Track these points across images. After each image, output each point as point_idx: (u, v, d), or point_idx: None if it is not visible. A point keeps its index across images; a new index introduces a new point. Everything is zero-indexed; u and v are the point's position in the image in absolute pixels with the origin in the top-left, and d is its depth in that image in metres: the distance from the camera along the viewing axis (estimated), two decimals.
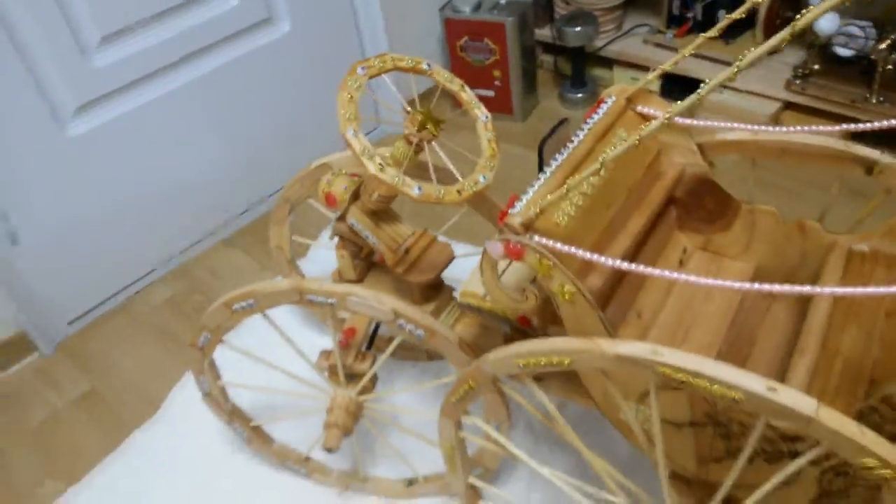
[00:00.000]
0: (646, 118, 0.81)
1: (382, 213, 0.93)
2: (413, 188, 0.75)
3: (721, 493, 0.62)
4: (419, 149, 0.80)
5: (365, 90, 0.78)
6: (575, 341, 0.60)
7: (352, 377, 0.97)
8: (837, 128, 0.74)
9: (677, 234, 0.86)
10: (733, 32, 1.79)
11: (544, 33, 2.01)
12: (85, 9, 1.30)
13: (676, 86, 1.87)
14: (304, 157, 1.10)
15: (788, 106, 1.68)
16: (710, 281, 0.58)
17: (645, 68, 1.90)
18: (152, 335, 1.47)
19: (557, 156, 0.71)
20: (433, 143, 0.82)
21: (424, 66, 0.85)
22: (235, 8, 1.52)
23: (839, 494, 0.60)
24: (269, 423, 1.12)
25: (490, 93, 1.92)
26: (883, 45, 1.50)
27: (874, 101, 1.52)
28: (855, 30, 1.58)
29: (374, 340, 1.06)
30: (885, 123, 0.74)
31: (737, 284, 0.57)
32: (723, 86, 1.76)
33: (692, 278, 0.58)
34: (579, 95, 1.94)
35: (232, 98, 1.58)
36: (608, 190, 0.74)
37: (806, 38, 1.63)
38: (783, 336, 0.75)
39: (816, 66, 1.63)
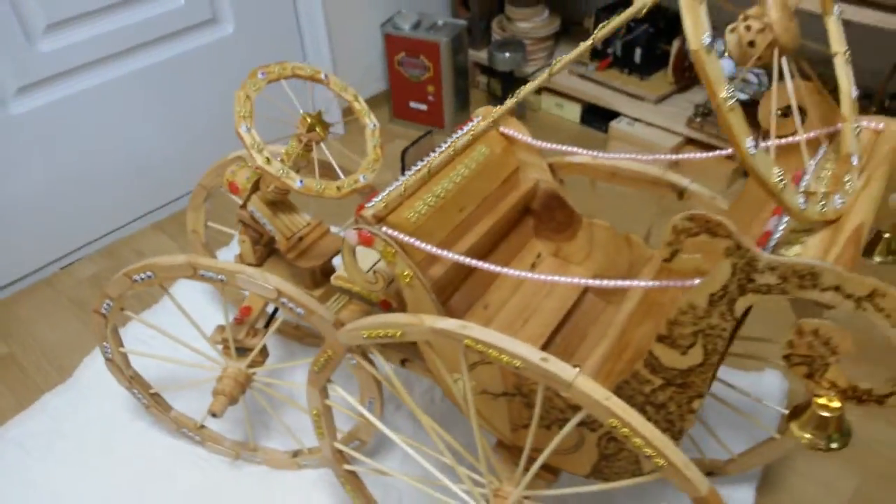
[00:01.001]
0: (508, 138, 0.94)
1: (280, 204, 1.03)
2: (296, 181, 0.86)
3: (524, 456, 0.74)
4: (308, 148, 0.92)
5: (263, 91, 0.89)
6: (405, 316, 0.71)
7: (244, 351, 1.07)
8: (653, 157, 0.86)
9: (534, 240, 0.99)
10: (648, 70, 1.94)
11: (481, 55, 2.14)
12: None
13: (596, 115, 2.02)
14: (236, 150, 1.20)
15: (690, 141, 1.84)
16: (521, 273, 0.70)
17: (568, 96, 2.04)
18: (73, 308, 1.55)
19: (419, 162, 0.83)
20: (321, 143, 0.93)
21: (322, 76, 0.96)
22: (181, 7, 1.62)
23: (613, 458, 0.72)
24: (168, 391, 1.21)
25: (423, 106, 2.04)
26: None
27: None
28: (751, 76, 1.74)
29: (271, 320, 1.16)
30: (698, 155, 0.88)
31: (543, 277, 0.68)
32: (634, 118, 1.91)
33: (506, 270, 0.70)
34: None
35: (173, 90, 1.67)
36: (463, 196, 0.86)
37: None
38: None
39: None
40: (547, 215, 0.96)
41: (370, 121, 0.97)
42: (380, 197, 0.77)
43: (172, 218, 1.77)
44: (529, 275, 0.67)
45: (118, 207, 1.69)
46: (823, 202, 0.56)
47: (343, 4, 1.92)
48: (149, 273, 0.97)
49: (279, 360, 1.35)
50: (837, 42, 0.66)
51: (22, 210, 1.52)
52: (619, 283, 0.62)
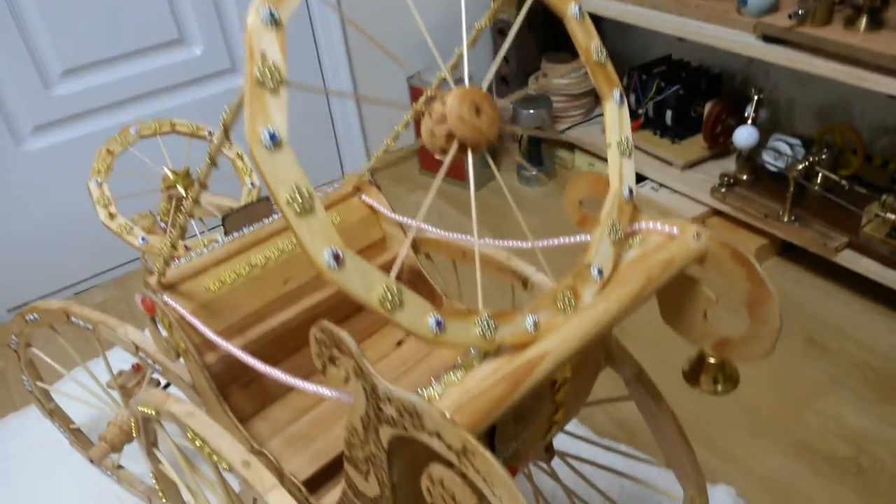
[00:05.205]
0: (371, 207, 0.88)
1: None
2: (137, 238, 0.86)
3: None
4: (169, 203, 0.91)
5: (129, 147, 0.90)
6: (156, 395, 0.68)
7: None
8: (507, 244, 0.77)
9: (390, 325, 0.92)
10: (681, 133, 1.79)
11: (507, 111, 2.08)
12: (49, 45, 1.50)
13: None
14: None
15: (715, 212, 1.66)
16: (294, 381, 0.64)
17: (597, 156, 1.92)
18: (75, 334, 1.63)
19: (245, 229, 0.80)
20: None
21: (205, 133, 0.96)
22: (198, 57, 1.70)
23: None
24: (91, 428, 1.24)
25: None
26: (800, 166, 1.48)
27: (786, 218, 1.49)
28: (783, 146, 1.56)
29: None
30: (556, 241, 0.78)
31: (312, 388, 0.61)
32: (660, 184, 1.77)
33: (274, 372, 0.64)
34: (532, 173, 1.99)
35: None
36: (291, 266, 0.81)
37: (732, 149, 1.62)
38: None
39: (745, 177, 1.61)
40: (412, 290, 0.89)
41: (249, 180, 0.96)
42: (176, 263, 0.75)
43: None
44: (278, 374, 0.60)
45: None
46: (489, 325, 0.46)
47: (370, 57, 1.94)
48: (35, 315, 1.00)
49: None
50: (612, 130, 0.56)
51: (38, 238, 1.64)
52: (292, 380, 0.55)
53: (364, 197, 0.88)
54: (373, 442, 0.48)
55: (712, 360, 0.61)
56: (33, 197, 1.60)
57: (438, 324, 0.44)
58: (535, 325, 0.48)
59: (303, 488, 0.64)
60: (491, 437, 0.57)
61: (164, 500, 0.93)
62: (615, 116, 0.56)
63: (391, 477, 0.49)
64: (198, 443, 0.61)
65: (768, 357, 0.58)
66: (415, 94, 1.97)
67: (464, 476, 0.41)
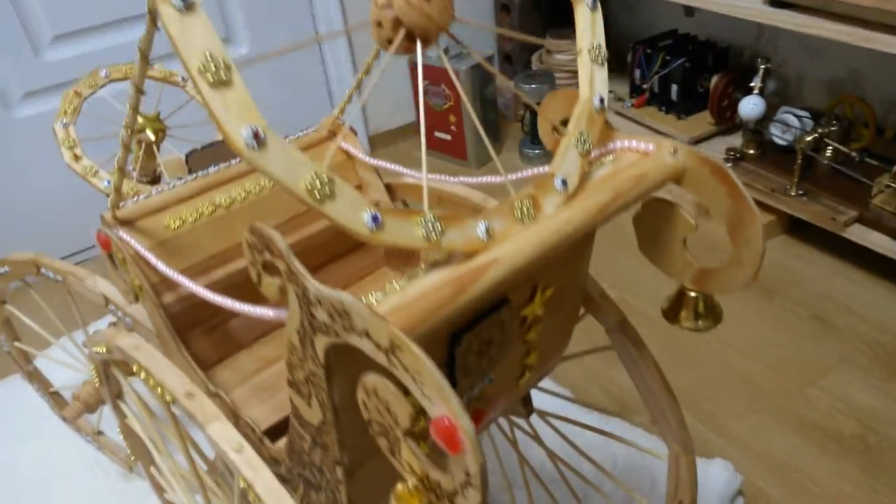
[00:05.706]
0: (347, 153, 0.84)
1: None
2: (103, 181, 0.83)
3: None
4: (139, 148, 0.88)
5: (98, 90, 0.87)
6: (107, 332, 0.65)
7: None
8: (483, 180, 0.73)
9: (385, 268, 0.88)
10: (687, 109, 1.74)
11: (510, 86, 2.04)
12: (40, 10, 1.48)
13: None
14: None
15: None
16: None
17: None
18: (62, 306, 1.61)
19: (211, 168, 0.76)
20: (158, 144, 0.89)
21: (178, 79, 0.92)
22: None
23: None
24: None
25: (447, 136, 1.96)
26: (808, 138, 1.42)
27: (793, 192, 1.44)
28: (792, 119, 1.50)
29: None
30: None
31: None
32: None
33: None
34: (536, 151, 1.94)
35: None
36: (259, 208, 0.77)
37: (738, 121, 1.57)
38: None
39: (751, 151, 1.56)
40: None
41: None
42: (135, 199, 0.71)
43: None
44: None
45: None
46: (434, 227, 0.42)
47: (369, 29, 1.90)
48: (5, 268, 0.97)
49: None
50: (583, 36, 0.51)
51: (29, 209, 1.62)
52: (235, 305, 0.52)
53: (342, 143, 0.84)
54: (310, 358, 0.44)
55: (693, 294, 0.57)
56: (24, 165, 1.58)
57: (375, 219, 0.40)
58: (488, 231, 0.44)
59: (257, 429, 0.61)
60: (451, 370, 0.53)
61: (135, 459, 0.90)
62: (587, 21, 0.52)
63: (331, 397, 0.45)
64: (143, 375, 0.57)
65: (748, 287, 0.53)
66: (412, 67, 1.94)
67: (397, 382, 0.37)
